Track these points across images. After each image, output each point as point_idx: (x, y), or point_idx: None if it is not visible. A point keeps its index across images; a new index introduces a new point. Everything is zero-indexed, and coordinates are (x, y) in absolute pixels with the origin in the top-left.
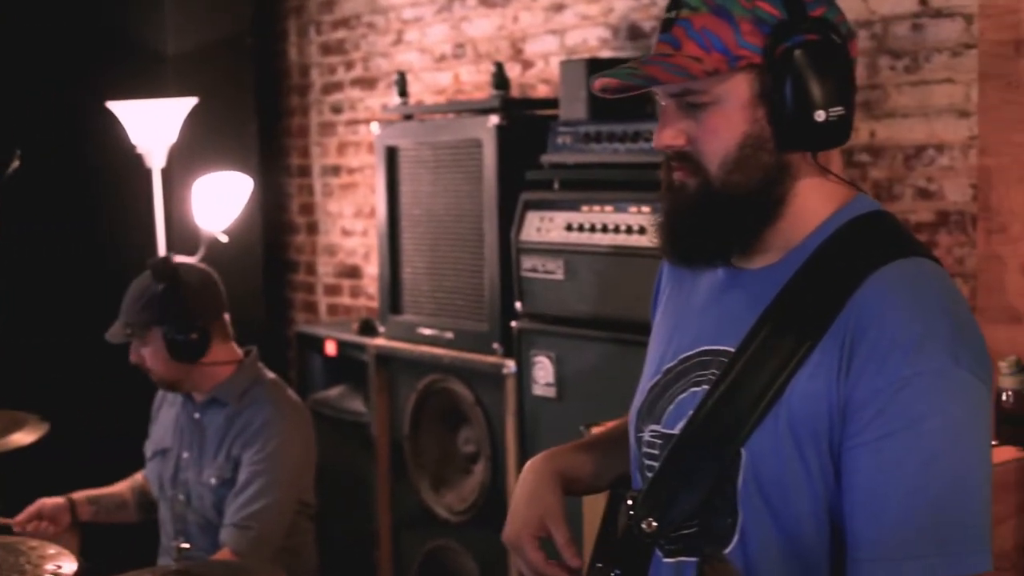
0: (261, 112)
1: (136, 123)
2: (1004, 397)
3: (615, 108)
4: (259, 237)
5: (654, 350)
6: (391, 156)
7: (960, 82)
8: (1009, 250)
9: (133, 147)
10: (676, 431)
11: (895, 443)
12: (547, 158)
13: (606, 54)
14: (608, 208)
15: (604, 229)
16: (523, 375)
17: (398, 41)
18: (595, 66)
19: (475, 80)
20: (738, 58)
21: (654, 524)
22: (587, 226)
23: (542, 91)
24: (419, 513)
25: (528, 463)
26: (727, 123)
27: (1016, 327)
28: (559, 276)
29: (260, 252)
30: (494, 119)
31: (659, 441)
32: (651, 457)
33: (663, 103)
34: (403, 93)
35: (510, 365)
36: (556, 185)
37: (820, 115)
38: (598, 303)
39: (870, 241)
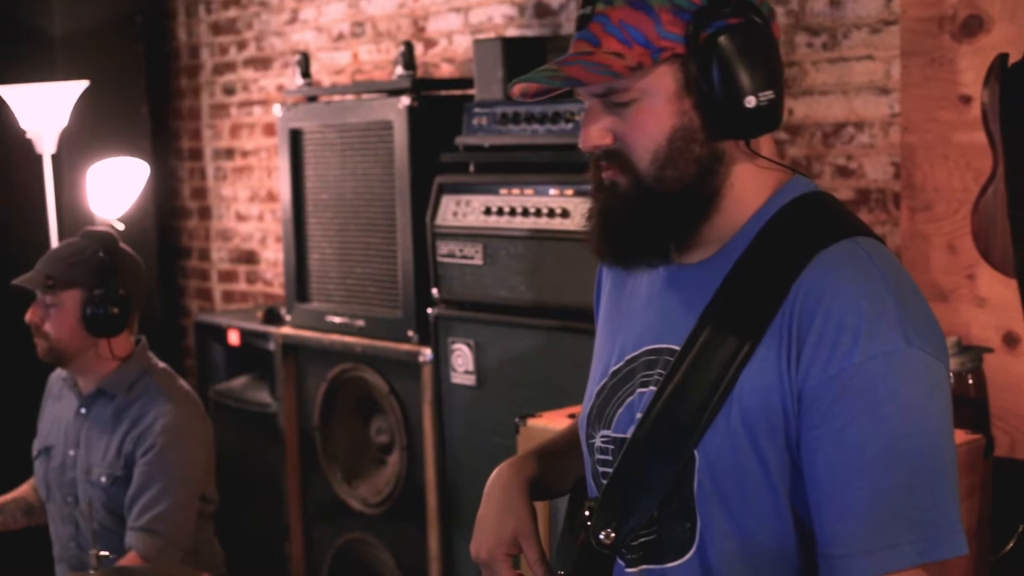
0: (152, 94)
1: (25, 108)
2: None
3: None
4: (152, 223)
5: (599, 353)
6: (295, 139)
7: (880, 59)
8: (934, 228)
9: (22, 132)
10: (628, 435)
11: (855, 431)
12: (462, 140)
13: (513, 32)
14: (528, 191)
15: (525, 212)
16: (440, 363)
17: (293, 20)
18: (510, 45)
19: (375, 60)
20: (661, 50)
21: (612, 535)
22: (507, 209)
23: (446, 70)
24: (331, 506)
25: (494, 473)
26: (655, 118)
27: (943, 305)
28: (478, 261)
29: (154, 238)
30: (405, 100)
31: (611, 447)
32: (605, 463)
33: (586, 102)
34: (306, 74)
35: (426, 353)
36: (472, 168)
37: (750, 101)
38: (519, 288)
39: (807, 225)
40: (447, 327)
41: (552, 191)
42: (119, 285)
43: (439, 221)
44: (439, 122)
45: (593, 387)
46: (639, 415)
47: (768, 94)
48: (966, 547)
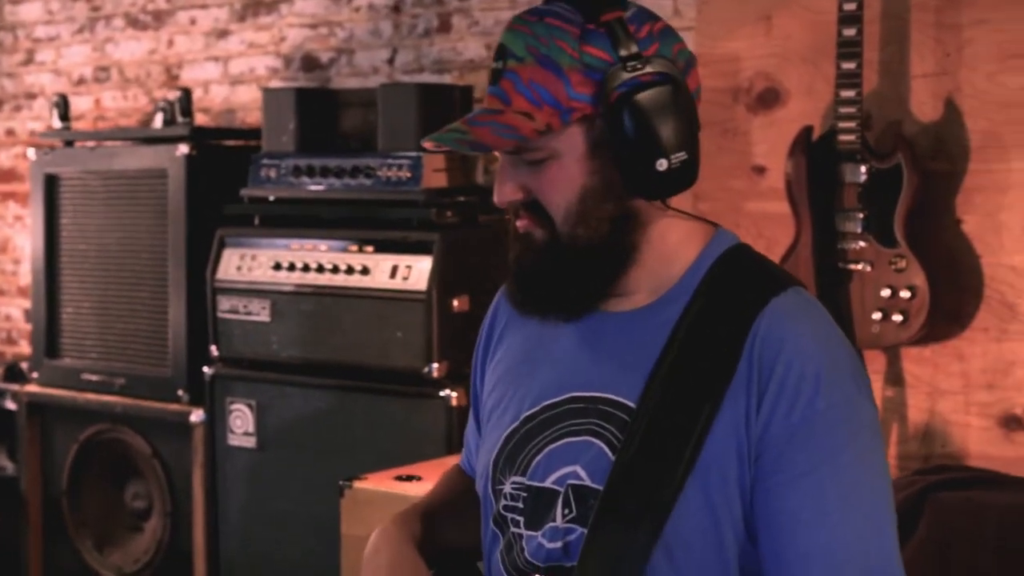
0: None
1: None
2: None
3: (327, 141)
4: None
5: (505, 396)
6: (50, 185)
7: None
8: None
9: None
10: (549, 484)
11: (816, 478)
12: (248, 192)
13: (276, 84)
14: (323, 246)
15: (319, 269)
16: (216, 424)
17: (28, 61)
18: (303, 97)
19: (121, 107)
20: (570, 111)
21: None
22: (298, 265)
23: (201, 121)
24: (80, 575)
25: (378, 532)
26: (566, 176)
27: None
28: (264, 318)
29: None
30: (183, 148)
31: (524, 494)
32: (513, 510)
33: (500, 157)
34: (64, 117)
35: (198, 413)
36: (257, 221)
37: (662, 164)
38: (308, 347)
39: (749, 276)
40: (225, 386)
41: (351, 247)
42: None
43: (221, 275)
44: (219, 172)
45: (500, 432)
46: (576, 469)
47: (680, 155)
48: None
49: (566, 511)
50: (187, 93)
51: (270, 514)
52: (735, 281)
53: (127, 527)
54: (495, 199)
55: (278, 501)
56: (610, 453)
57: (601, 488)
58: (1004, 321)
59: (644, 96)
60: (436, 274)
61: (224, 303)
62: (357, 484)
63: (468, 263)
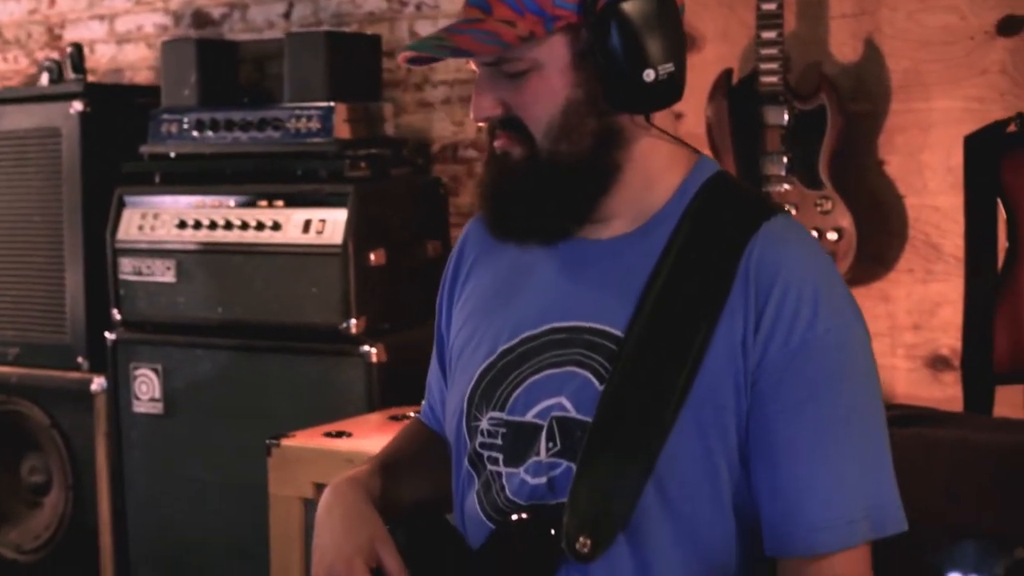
0: None
1: None
2: None
3: (230, 94)
4: None
5: (477, 332)
6: None
7: None
8: None
9: None
10: (529, 418)
11: (815, 406)
12: (148, 148)
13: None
14: (229, 202)
15: (227, 225)
16: (119, 391)
17: None
18: (204, 48)
19: (0, 70)
20: (555, 19)
21: (588, 542)
22: (204, 222)
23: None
24: None
25: (330, 489)
26: (548, 89)
27: None
28: (169, 279)
29: None
30: (77, 105)
31: (502, 430)
32: (490, 447)
33: (477, 70)
34: None
35: (100, 381)
36: (158, 179)
37: (649, 75)
38: (217, 307)
39: (736, 202)
40: (128, 352)
41: (260, 202)
42: None
43: (121, 236)
44: (115, 130)
45: (475, 367)
46: (562, 401)
47: (668, 67)
48: (906, 523)
49: (550, 444)
50: (78, 49)
51: (181, 482)
52: (722, 207)
53: (25, 503)
54: (472, 115)
55: (189, 468)
56: (597, 383)
57: (588, 420)
58: (929, 262)
59: (632, 5)
60: (352, 227)
61: (126, 265)
62: (285, 442)
63: (384, 216)
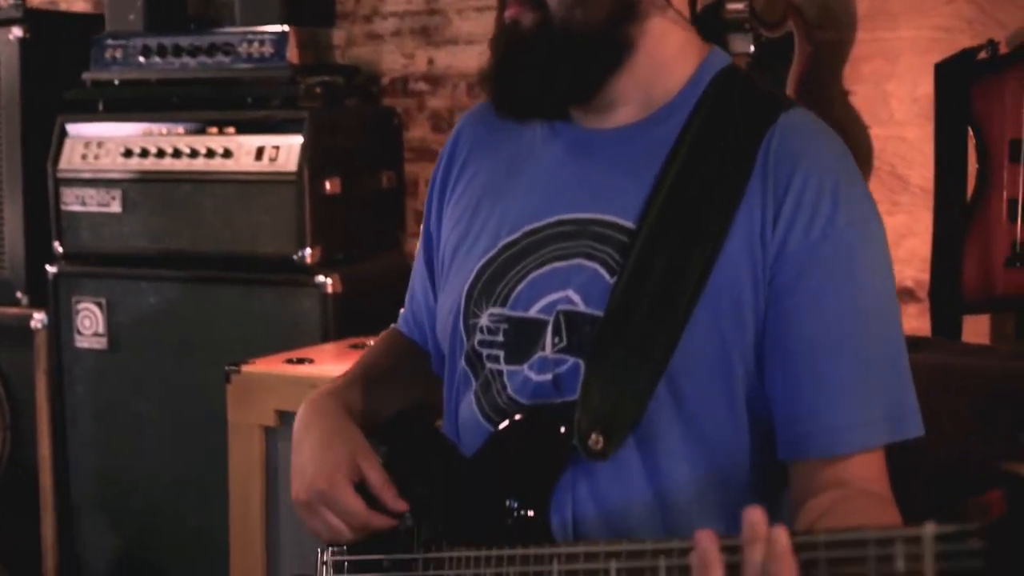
0: None
1: None
2: None
3: (178, 18)
4: None
5: (474, 227)
6: None
7: None
8: None
9: None
10: (533, 314)
11: (835, 302)
12: (91, 75)
13: None
14: (178, 130)
15: (175, 154)
16: (61, 326)
17: None
18: None
19: None
20: None
21: (601, 439)
22: (152, 150)
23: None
24: None
25: (307, 404)
26: None
27: None
28: (114, 209)
29: None
30: (16, 31)
31: (503, 326)
32: (490, 345)
33: None
34: None
35: (40, 316)
36: (102, 106)
37: None
38: (165, 237)
39: (752, 93)
40: (71, 285)
41: (210, 129)
42: None
43: (64, 166)
44: (57, 57)
45: (473, 263)
46: (570, 294)
47: None
48: (923, 427)
49: (556, 340)
50: None
51: (126, 420)
52: (738, 98)
53: None
54: None
55: (135, 404)
56: (607, 276)
57: (598, 314)
58: (895, 193)
59: None
60: (307, 154)
61: (68, 195)
62: (245, 368)
63: (338, 145)
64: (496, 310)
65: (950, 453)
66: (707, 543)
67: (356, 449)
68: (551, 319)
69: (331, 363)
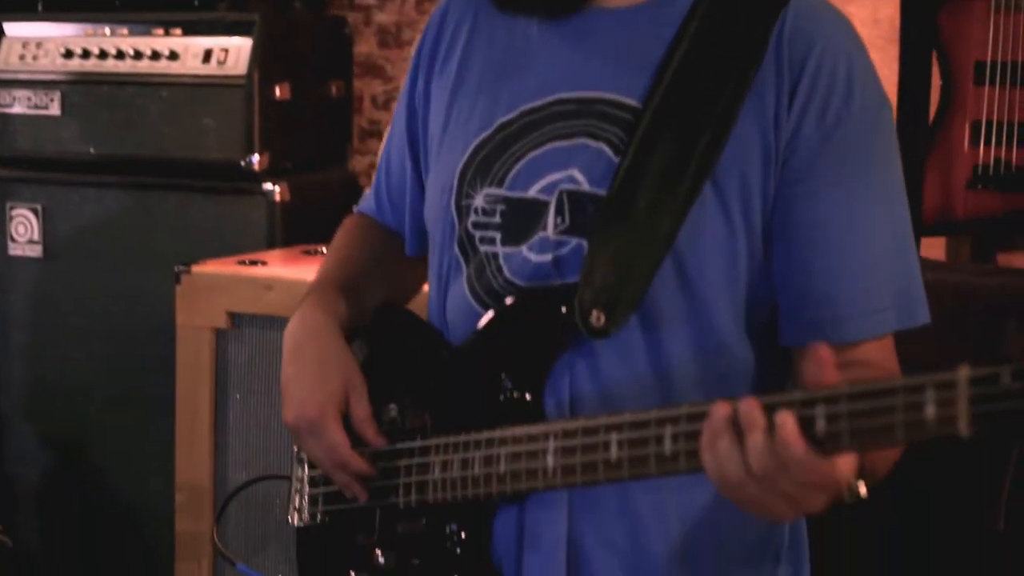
0: None
1: None
2: None
3: None
4: None
5: (466, 106)
6: None
7: None
8: None
9: None
10: (532, 194)
11: (847, 189)
12: None
13: None
14: (122, 31)
15: (118, 55)
16: None
17: None
18: None
19: None
20: None
21: (603, 316)
22: (93, 52)
23: None
24: None
25: (298, 320)
26: None
27: None
28: (53, 111)
29: None
30: None
31: (500, 206)
32: (485, 227)
33: None
34: None
35: None
36: (40, 6)
37: None
38: (106, 142)
39: None
40: (5, 190)
41: (156, 30)
42: None
43: (0, 66)
44: None
45: (467, 142)
46: (573, 173)
47: None
48: (930, 316)
49: (559, 220)
50: None
51: (61, 330)
52: None
53: None
54: None
55: (72, 316)
56: (612, 155)
57: (602, 193)
58: None
59: None
60: (257, 57)
61: (4, 96)
62: (196, 268)
63: (289, 50)
64: (492, 190)
65: (927, 356)
66: (722, 412)
67: (348, 380)
68: (553, 199)
69: (284, 266)
